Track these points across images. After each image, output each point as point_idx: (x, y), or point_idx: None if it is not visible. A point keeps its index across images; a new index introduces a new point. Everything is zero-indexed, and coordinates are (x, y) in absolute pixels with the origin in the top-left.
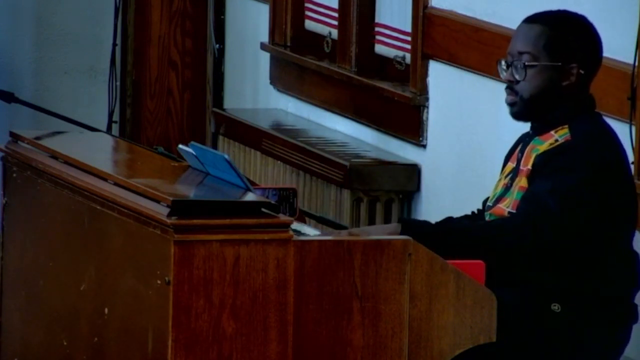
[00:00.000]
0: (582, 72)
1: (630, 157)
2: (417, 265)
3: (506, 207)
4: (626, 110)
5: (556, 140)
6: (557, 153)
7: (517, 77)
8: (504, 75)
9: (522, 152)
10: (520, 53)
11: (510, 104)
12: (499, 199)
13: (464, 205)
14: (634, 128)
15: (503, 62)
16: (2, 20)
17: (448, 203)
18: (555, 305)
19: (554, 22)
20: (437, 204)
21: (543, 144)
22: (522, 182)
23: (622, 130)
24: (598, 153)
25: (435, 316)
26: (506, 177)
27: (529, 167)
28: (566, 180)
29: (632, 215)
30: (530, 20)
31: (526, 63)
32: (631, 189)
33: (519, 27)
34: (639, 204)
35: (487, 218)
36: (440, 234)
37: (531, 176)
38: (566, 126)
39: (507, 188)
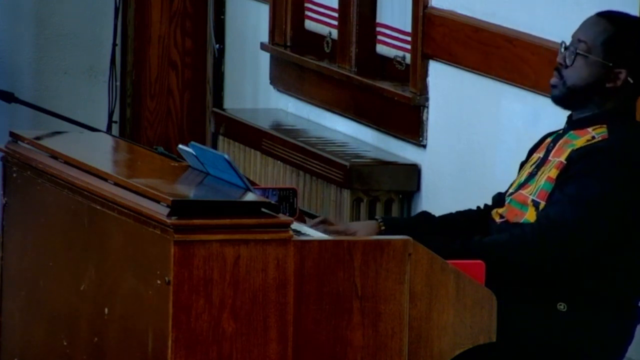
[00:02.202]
0: (630, 80)
1: None
2: (417, 265)
3: (529, 194)
4: None
5: (593, 137)
6: (591, 152)
7: (567, 61)
8: (559, 56)
9: (554, 142)
10: (579, 41)
11: (553, 85)
12: (522, 185)
13: (464, 205)
14: None
15: (562, 45)
16: (2, 20)
17: (448, 203)
18: (561, 305)
19: (622, 23)
20: (437, 204)
21: (579, 139)
22: (551, 172)
23: None
24: (631, 159)
25: (435, 316)
26: (531, 166)
27: (562, 160)
28: (590, 189)
29: None
30: (602, 14)
31: (578, 51)
32: None
33: (590, 17)
34: None
35: (507, 203)
36: (450, 247)
37: (563, 172)
38: (604, 125)
39: (532, 175)
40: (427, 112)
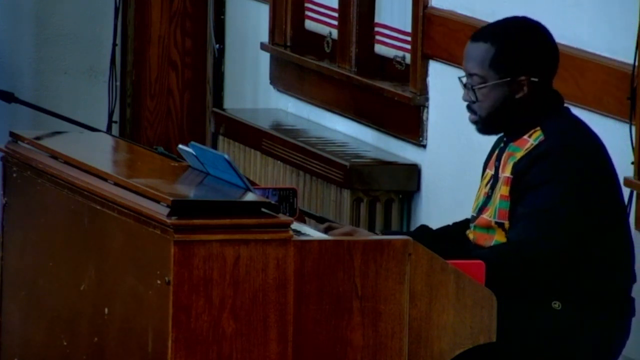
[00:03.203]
0: (534, 79)
1: (630, 157)
2: (417, 265)
3: (489, 216)
4: (626, 110)
5: (532, 145)
6: (535, 160)
7: (471, 97)
8: (462, 95)
9: (499, 159)
10: (470, 74)
11: (473, 122)
12: (481, 209)
13: (464, 205)
14: (634, 128)
15: (460, 81)
16: (2, 20)
17: (448, 203)
18: (555, 303)
19: (496, 37)
20: (437, 204)
21: (520, 151)
22: (502, 190)
23: (622, 130)
24: (572, 151)
25: (435, 316)
26: (486, 185)
27: (508, 175)
28: (545, 198)
29: (620, 206)
30: (475, 38)
31: (474, 87)
32: (614, 178)
33: (467, 46)
34: (632, 201)
35: (471, 229)
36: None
37: (514, 186)
38: (538, 128)
39: (489, 197)
40: (427, 112)
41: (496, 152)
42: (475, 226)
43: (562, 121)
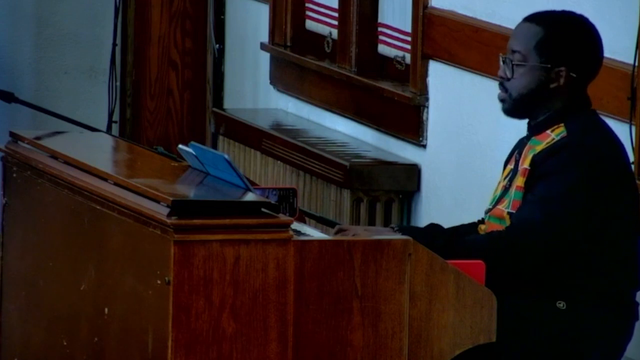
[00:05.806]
0: (573, 75)
1: (630, 157)
2: (417, 265)
3: (504, 207)
4: (626, 110)
5: (553, 139)
6: (551, 153)
7: (507, 74)
8: (499, 70)
9: (520, 153)
10: (514, 51)
11: (501, 100)
12: (498, 200)
13: (464, 205)
14: (634, 128)
15: (500, 58)
16: (2, 20)
17: (448, 203)
18: (560, 303)
19: (550, 23)
20: (437, 204)
21: (540, 144)
22: (519, 181)
23: (622, 130)
24: (592, 149)
25: (435, 316)
26: (505, 178)
27: (526, 166)
28: (555, 186)
29: (632, 210)
30: (529, 19)
31: (514, 62)
32: (630, 184)
33: (519, 24)
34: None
35: (486, 220)
36: (434, 243)
37: (529, 177)
38: (562, 124)
39: (506, 189)
40: (427, 112)
41: (518, 149)
42: (490, 217)
43: (587, 121)
